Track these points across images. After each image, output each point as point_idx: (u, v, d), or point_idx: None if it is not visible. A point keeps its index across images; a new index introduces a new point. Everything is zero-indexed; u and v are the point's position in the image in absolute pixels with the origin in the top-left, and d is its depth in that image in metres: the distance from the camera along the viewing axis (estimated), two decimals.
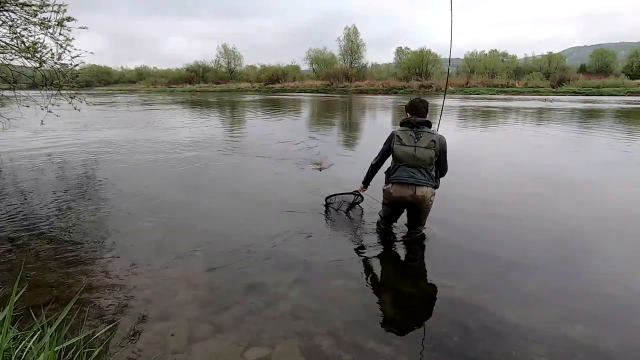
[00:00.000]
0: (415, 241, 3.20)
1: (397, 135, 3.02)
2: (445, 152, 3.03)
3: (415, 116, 3.06)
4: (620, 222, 3.67)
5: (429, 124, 3.04)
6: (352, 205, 3.83)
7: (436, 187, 3.05)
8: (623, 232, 3.46)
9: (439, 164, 3.06)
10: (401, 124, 3.09)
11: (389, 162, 3.20)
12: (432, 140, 2.94)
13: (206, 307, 2.26)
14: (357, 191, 3.72)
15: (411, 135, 2.98)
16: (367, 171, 3.45)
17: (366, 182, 3.53)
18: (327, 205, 3.92)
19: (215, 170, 5.80)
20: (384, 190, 3.16)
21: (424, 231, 3.26)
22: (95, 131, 10.27)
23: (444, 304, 2.35)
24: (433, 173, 3.01)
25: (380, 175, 3.31)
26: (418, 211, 3.10)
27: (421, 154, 2.93)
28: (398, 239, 3.26)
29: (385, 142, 3.17)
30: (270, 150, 7.39)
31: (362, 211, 3.85)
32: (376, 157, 3.29)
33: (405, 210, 3.19)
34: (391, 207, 3.18)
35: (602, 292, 2.48)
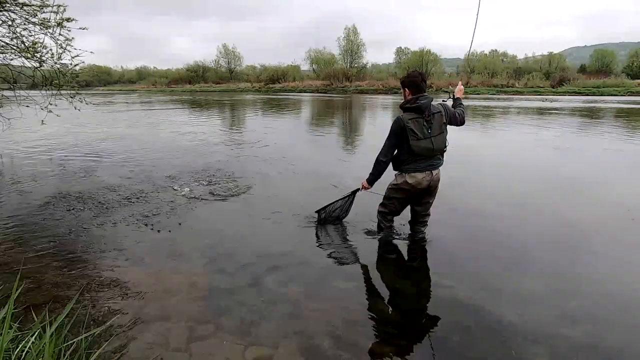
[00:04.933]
0: (415, 241, 3.19)
1: (411, 129, 2.74)
2: (454, 111, 2.96)
3: (418, 94, 2.79)
4: (621, 222, 3.67)
5: (431, 100, 2.83)
6: (346, 209, 3.57)
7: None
8: (623, 232, 3.46)
9: (455, 121, 2.96)
10: (406, 109, 2.81)
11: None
12: (444, 122, 2.84)
13: (206, 307, 2.26)
14: (356, 190, 3.38)
15: (424, 125, 2.76)
16: (374, 168, 3.04)
17: (373, 181, 3.12)
18: (318, 218, 3.57)
19: (214, 171, 5.79)
20: (396, 183, 2.95)
21: (424, 230, 3.25)
22: (95, 131, 10.27)
23: (444, 304, 2.35)
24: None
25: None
26: (430, 195, 3.02)
27: (438, 144, 2.83)
28: (398, 239, 3.25)
29: (393, 134, 2.85)
30: (270, 153, 7.39)
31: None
32: (384, 153, 2.95)
33: (409, 205, 3.12)
34: (404, 198, 3.03)
35: (602, 292, 2.48)
